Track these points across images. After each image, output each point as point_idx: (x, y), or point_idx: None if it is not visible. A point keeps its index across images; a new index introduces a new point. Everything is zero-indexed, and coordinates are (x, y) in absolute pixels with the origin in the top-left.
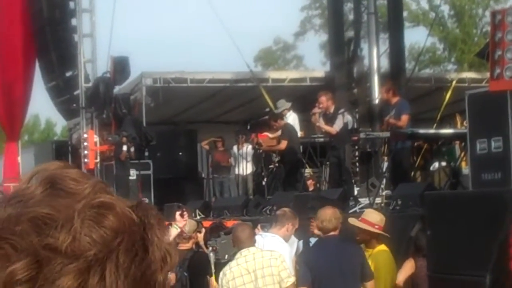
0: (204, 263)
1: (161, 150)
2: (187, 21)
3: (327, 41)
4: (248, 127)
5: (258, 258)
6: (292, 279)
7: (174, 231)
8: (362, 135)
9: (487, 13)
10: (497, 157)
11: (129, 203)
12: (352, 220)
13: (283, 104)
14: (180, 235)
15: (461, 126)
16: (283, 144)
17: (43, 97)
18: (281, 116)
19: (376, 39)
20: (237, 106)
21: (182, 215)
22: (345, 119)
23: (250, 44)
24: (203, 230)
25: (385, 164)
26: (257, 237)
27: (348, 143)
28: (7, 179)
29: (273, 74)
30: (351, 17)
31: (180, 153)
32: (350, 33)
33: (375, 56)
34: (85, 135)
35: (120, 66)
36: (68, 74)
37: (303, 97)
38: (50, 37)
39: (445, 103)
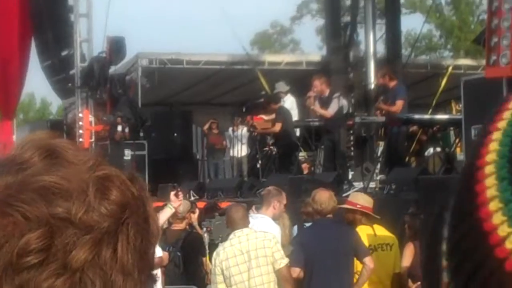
0: (198, 243)
1: (156, 131)
2: (184, 3)
3: (323, 26)
4: (244, 109)
5: (251, 239)
6: (286, 261)
7: (168, 211)
8: (357, 120)
9: (484, 1)
10: None
11: (125, 175)
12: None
13: (282, 86)
14: (174, 215)
15: (456, 113)
16: (277, 127)
17: (39, 76)
18: (276, 98)
19: (373, 25)
20: (232, 89)
21: (176, 195)
22: (340, 103)
23: (247, 27)
24: (197, 210)
25: (380, 149)
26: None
27: (343, 127)
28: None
29: (269, 57)
30: (348, 2)
31: (175, 134)
32: (346, 18)
33: (371, 42)
34: (80, 115)
35: (116, 46)
36: (64, 53)
37: (299, 81)
38: (47, 16)
39: (440, 89)
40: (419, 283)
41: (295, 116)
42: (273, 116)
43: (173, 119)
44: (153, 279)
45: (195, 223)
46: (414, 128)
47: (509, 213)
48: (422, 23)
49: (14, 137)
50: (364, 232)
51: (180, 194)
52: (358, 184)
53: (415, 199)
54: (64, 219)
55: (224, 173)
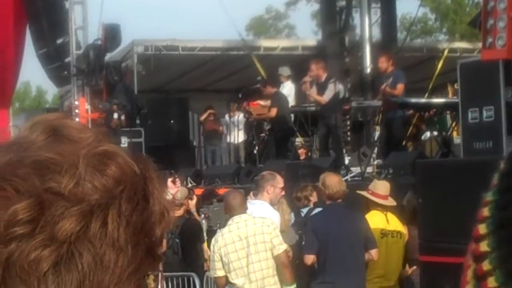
0: (196, 230)
1: (153, 118)
2: None
3: (318, 11)
4: (240, 95)
5: (250, 225)
6: (284, 246)
7: None
8: (353, 104)
9: None
10: (489, 126)
11: (130, 155)
12: (364, 193)
13: (285, 71)
14: (172, 202)
15: (453, 96)
16: (273, 112)
17: (34, 64)
18: (274, 81)
19: (368, 9)
20: (228, 75)
21: (174, 182)
22: (336, 88)
23: (242, 13)
24: (195, 197)
25: (377, 133)
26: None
27: (339, 112)
28: None
29: (265, 43)
30: None
31: (172, 121)
32: (342, 3)
33: (366, 26)
34: (76, 103)
35: (111, 34)
36: (59, 41)
37: (295, 66)
38: (41, 4)
39: (436, 72)
40: (415, 267)
41: (292, 102)
42: (269, 101)
43: (169, 106)
44: (157, 258)
45: (193, 210)
46: (411, 112)
47: None
48: (417, 7)
49: (10, 126)
50: (378, 218)
51: (177, 181)
52: (355, 169)
53: (412, 183)
54: (55, 192)
55: (221, 160)
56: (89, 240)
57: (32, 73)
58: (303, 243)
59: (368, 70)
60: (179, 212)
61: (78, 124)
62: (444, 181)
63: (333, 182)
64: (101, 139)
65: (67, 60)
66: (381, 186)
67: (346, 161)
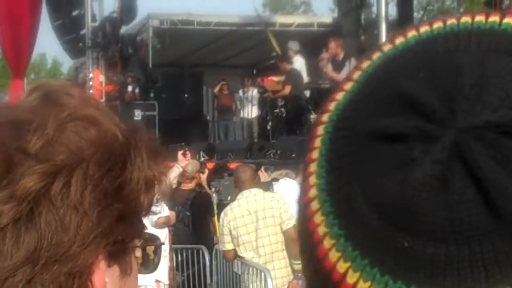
0: (207, 203)
1: (167, 92)
2: None
3: None
4: (255, 71)
5: (259, 200)
6: (293, 221)
7: (176, 170)
8: None
9: None
10: None
11: (123, 124)
12: None
13: (294, 45)
14: (183, 175)
15: None
16: (287, 89)
17: (50, 36)
18: (288, 58)
19: None
20: (243, 50)
21: (184, 155)
22: (352, 67)
23: None
24: (206, 171)
25: None
26: (280, 181)
27: None
28: None
29: (281, 19)
30: None
31: (186, 95)
32: None
33: (383, 4)
34: (91, 75)
35: (127, 6)
36: (75, 13)
37: (310, 43)
38: None
39: None
40: None
41: (304, 77)
42: (283, 77)
43: (183, 80)
44: (136, 225)
45: (204, 183)
46: None
47: (341, 248)
48: None
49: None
50: None
51: (188, 154)
52: None
53: None
54: (24, 152)
55: (234, 135)
56: (49, 200)
57: (48, 45)
58: None
59: None
60: (190, 185)
61: (74, 89)
62: None
63: None
64: (87, 104)
65: (82, 32)
66: None
67: None
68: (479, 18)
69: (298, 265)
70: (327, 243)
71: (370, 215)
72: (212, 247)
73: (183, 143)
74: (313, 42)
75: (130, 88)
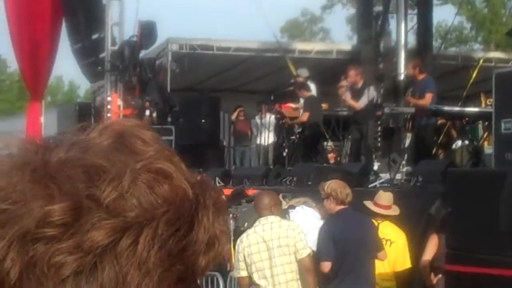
0: None
1: (184, 117)
2: None
3: (354, 15)
4: (272, 97)
5: (275, 228)
6: (308, 251)
7: None
8: (386, 110)
9: None
10: None
11: (191, 177)
12: (368, 203)
13: (303, 72)
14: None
15: (486, 106)
16: (305, 116)
17: (68, 58)
18: (306, 85)
19: (405, 15)
20: (262, 76)
21: None
22: (370, 95)
23: (277, 15)
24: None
25: (407, 140)
26: (297, 209)
27: (372, 119)
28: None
29: (300, 45)
30: None
31: (203, 120)
32: (378, 8)
33: (402, 32)
34: (109, 98)
35: (147, 31)
36: (95, 36)
37: (329, 70)
38: None
39: (471, 81)
40: (440, 275)
41: None
42: (300, 104)
43: (201, 105)
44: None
45: None
46: (443, 120)
47: None
48: (454, 15)
49: (42, 118)
50: None
51: None
52: (384, 176)
53: (442, 192)
54: (96, 200)
55: (250, 161)
56: (115, 256)
57: (66, 67)
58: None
59: (402, 77)
60: None
61: (148, 135)
62: (476, 191)
63: (341, 187)
64: (161, 156)
65: (101, 55)
66: (384, 197)
67: (376, 167)
68: None
69: None
70: None
71: None
72: (226, 274)
73: (200, 169)
74: (332, 69)
75: (147, 112)
